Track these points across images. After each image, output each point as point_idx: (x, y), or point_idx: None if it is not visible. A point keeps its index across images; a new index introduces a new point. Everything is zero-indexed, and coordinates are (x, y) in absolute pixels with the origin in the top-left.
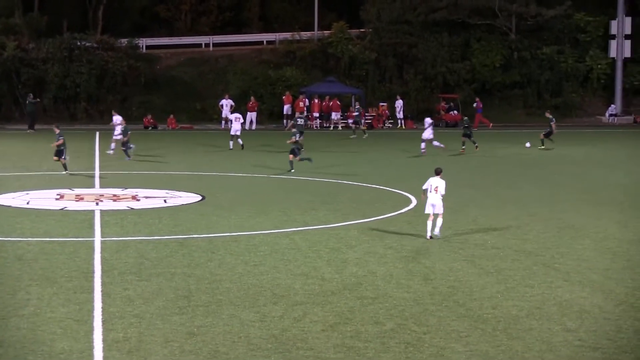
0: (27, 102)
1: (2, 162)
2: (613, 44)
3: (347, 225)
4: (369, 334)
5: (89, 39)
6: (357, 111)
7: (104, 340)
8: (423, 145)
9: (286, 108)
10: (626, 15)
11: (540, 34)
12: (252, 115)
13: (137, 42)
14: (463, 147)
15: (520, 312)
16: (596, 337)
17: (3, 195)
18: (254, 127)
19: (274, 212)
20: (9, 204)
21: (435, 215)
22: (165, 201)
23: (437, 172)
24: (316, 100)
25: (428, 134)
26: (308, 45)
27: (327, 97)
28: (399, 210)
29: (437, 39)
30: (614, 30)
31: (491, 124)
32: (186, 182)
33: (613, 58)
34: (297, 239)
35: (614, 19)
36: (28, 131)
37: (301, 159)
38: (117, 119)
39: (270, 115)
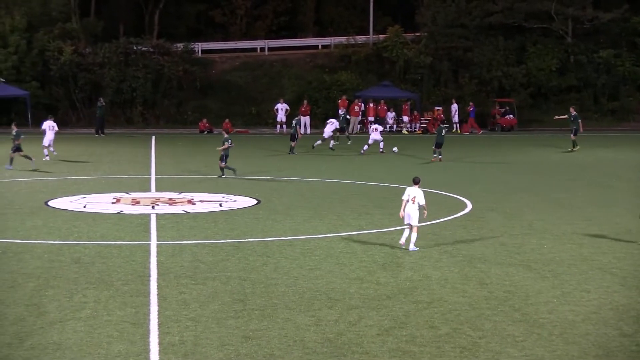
0: (98, 105)
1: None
2: None
3: (402, 230)
4: (424, 338)
5: (144, 43)
6: (341, 116)
7: (160, 344)
8: (366, 147)
9: (341, 112)
10: None
11: (596, 37)
12: (305, 120)
13: (192, 46)
14: (435, 156)
15: (576, 317)
16: None
17: (62, 198)
18: (308, 131)
19: (328, 216)
20: (65, 207)
21: (411, 227)
22: (220, 205)
23: (415, 182)
24: (371, 105)
25: (376, 136)
26: (363, 49)
27: (382, 101)
28: (454, 214)
29: (492, 43)
30: None
31: (481, 131)
32: (242, 186)
33: None
34: (352, 243)
35: None
36: (96, 135)
37: (227, 168)
38: (47, 124)
39: (325, 120)
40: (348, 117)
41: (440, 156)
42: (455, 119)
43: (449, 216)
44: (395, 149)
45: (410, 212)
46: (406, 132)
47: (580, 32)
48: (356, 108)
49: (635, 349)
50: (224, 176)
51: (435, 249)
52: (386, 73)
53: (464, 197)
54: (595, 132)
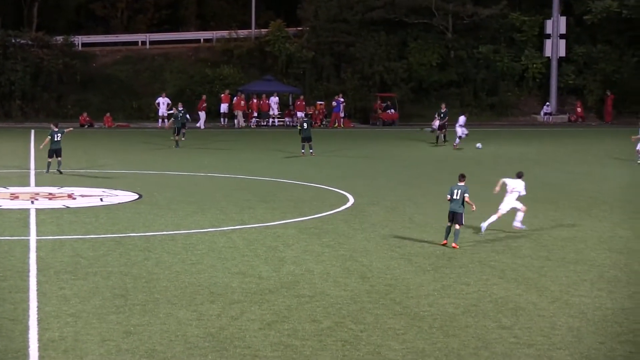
0: None
1: None
2: (548, 43)
3: (285, 224)
4: (306, 332)
5: (23, 36)
6: (176, 117)
7: (39, 340)
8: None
9: (224, 107)
10: (561, 15)
11: (476, 33)
12: (202, 115)
13: (72, 39)
14: (303, 151)
15: (456, 310)
16: (530, 334)
17: None
18: (203, 126)
19: (211, 210)
20: None
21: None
22: (101, 200)
23: (519, 176)
24: (254, 100)
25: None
26: (245, 43)
27: (264, 96)
28: (336, 208)
29: (374, 38)
30: (549, 29)
31: (352, 125)
32: (123, 181)
33: (548, 57)
34: (234, 237)
35: (549, 18)
36: None
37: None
38: None
39: (208, 114)
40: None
41: (311, 150)
42: (341, 114)
43: (331, 210)
44: (479, 144)
45: (511, 200)
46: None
47: (461, 28)
48: (242, 102)
49: (513, 340)
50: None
51: (318, 243)
52: (269, 67)
53: (345, 192)
54: (477, 127)
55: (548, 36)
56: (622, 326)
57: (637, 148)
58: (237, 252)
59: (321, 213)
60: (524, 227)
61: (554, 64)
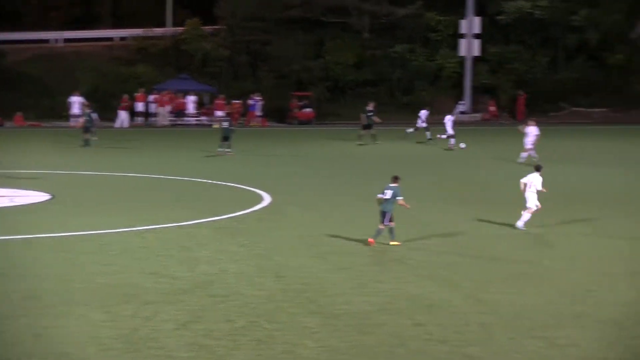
0: None
1: None
2: (463, 43)
3: (199, 224)
4: (221, 332)
5: None
6: (86, 116)
7: None
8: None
9: (140, 106)
10: (475, 15)
11: (392, 32)
12: (122, 114)
13: None
14: (219, 150)
15: (371, 308)
16: (444, 331)
17: None
18: (126, 124)
19: (125, 210)
20: None
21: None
22: (12, 200)
23: (537, 169)
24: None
25: None
26: (161, 42)
27: (181, 94)
28: (252, 207)
29: (291, 37)
30: (463, 29)
31: (267, 125)
32: (35, 181)
33: (463, 57)
34: (148, 237)
35: (464, 18)
36: None
37: None
38: None
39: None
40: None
41: (228, 150)
42: (258, 112)
43: (247, 210)
44: (462, 144)
45: (532, 196)
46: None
47: (377, 28)
48: (165, 99)
49: (427, 337)
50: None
51: (232, 242)
52: (184, 66)
53: (261, 191)
54: (392, 126)
55: (463, 36)
56: (533, 321)
57: (526, 147)
58: (150, 252)
59: (236, 212)
60: (524, 228)
61: (469, 63)
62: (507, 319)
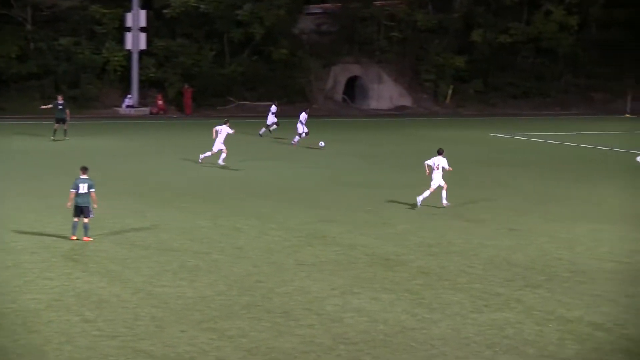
0: None
1: None
2: (128, 36)
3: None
4: None
5: None
6: None
7: None
8: None
9: None
10: (141, 8)
11: (57, 25)
12: None
13: None
14: None
15: (39, 305)
16: (114, 326)
17: None
18: None
19: None
20: None
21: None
22: None
23: (440, 152)
24: None
25: None
26: None
27: None
28: None
29: None
30: (129, 22)
31: None
32: None
33: (129, 50)
34: None
35: (130, 11)
36: None
37: None
38: None
39: None
40: None
41: None
42: None
43: None
44: (321, 143)
45: (436, 176)
46: None
47: (41, 20)
48: None
49: (96, 333)
50: None
51: None
52: None
53: None
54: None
55: (129, 29)
56: (204, 314)
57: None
58: None
59: None
60: (449, 204)
61: (135, 56)
62: (177, 311)
